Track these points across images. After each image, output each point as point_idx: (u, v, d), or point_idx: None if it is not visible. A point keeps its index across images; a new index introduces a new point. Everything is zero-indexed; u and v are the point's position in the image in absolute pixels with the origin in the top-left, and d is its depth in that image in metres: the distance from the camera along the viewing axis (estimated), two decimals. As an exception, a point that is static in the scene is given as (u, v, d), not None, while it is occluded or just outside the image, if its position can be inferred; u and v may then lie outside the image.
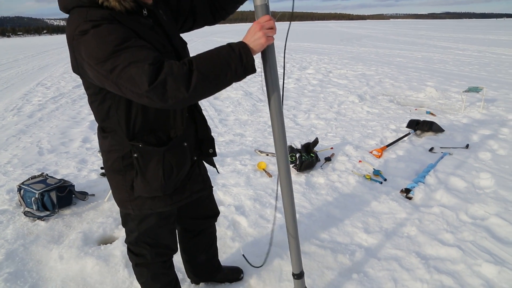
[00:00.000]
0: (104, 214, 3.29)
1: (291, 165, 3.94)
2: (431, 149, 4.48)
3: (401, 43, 21.36)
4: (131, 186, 1.61)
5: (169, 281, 1.99)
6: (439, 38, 23.92)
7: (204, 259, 2.27)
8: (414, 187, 3.49)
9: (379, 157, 4.28)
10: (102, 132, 1.61)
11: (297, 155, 3.89)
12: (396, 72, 10.58)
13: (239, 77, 1.37)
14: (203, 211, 2.08)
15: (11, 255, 2.72)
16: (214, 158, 1.99)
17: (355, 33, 32.89)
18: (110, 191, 3.51)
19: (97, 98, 1.48)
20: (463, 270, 2.43)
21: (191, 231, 2.14)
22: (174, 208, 1.83)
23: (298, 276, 1.96)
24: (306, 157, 3.90)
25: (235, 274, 2.42)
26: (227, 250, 2.72)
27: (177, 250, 1.98)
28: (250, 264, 2.18)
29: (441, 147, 4.55)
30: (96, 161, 4.54)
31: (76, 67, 1.40)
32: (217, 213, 2.17)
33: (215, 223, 2.24)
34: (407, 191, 3.43)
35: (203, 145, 1.82)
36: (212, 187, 2.01)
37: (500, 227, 2.88)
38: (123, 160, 1.57)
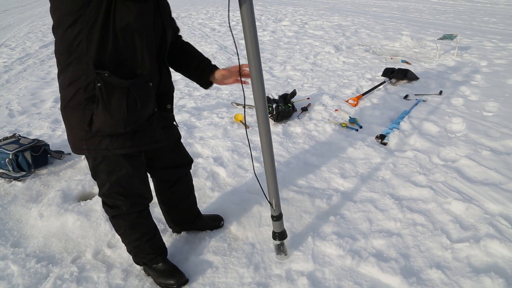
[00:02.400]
0: (82, 171, 3.27)
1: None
2: (405, 97, 4.55)
3: (377, -8, 21.03)
4: (90, 122, 1.55)
5: (148, 230, 2.01)
6: (415, -13, 23.62)
7: (183, 208, 2.30)
8: (389, 133, 3.57)
9: (355, 105, 4.33)
10: (62, 63, 1.52)
11: (274, 106, 3.88)
12: (372, 22, 10.49)
13: None
14: (174, 161, 2.07)
15: (-11, 216, 2.70)
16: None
17: (331, -17, 32.08)
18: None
19: (68, 20, 1.39)
20: (434, 208, 2.56)
21: (167, 181, 2.14)
22: (142, 156, 1.83)
23: (277, 218, 2.03)
24: (283, 107, 3.90)
25: (216, 221, 2.47)
26: (207, 200, 2.77)
27: (151, 199, 1.98)
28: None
29: (415, 94, 4.62)
30: (70, 120, 4.43)
31: None
32: (190, 160, 2.16)
33: (191, 171, 2.25)
34: (382, 137, 3.51)
35: (162, 99, 1.79)
36: (178, 138, 2.01)
37: (469, 167, 3.01)
38: (85, 91, 1.51)
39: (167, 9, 1.71)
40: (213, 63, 1.92)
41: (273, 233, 2.09)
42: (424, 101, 4.39)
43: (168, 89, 1.81)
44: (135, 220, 1.92)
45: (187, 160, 2.15)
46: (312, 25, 10.58)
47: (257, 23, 11.23)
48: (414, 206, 2.59)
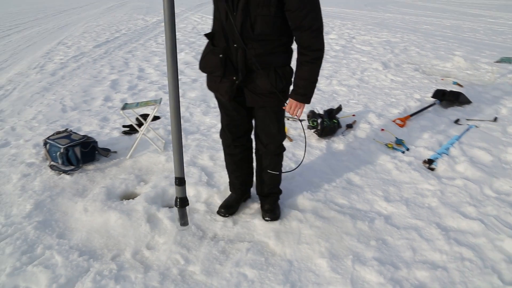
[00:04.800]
0: (126, 171, 3.35)
1: (312, 130, 3.91)
2: (456, 121, 4.36)
3: (429, 9, 20.47)
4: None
5: (248, 171, 2.73)
6: (470, 5, 22.80)
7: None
8: (437, 158, 3.43)
9: (402, 126, 4.20)
10: None
11: (319, 121, 3.84)
12: (423, 40, 10.20)
13: None
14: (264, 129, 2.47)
15: (39, 205, 2.82)
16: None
17: (382, -2, 31.61)
18: (132, 148, 3.58)
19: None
20: (484, 243, 2.42)
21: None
22: (234, 108, 2.40)
23: (179, 182, 2.15)
24: (328, 123, 3.85)
25: None
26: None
27: (249, 144, 2.61)
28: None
29: (467, 119, 4.43)
30: (118, 119, 4.58)
31: None
32: (266, 142, 2.51)
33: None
34: (430, 161, 3.38)
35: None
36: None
37: (525, 202, 2.83)
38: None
39: None
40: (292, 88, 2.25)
41: (175, 199, 2.20)
42: (476, 127, 4.19)
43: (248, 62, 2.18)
44: (240, 161, 2.63)
45: (266, 140, 2.47)
46: (360, 39, 10.43)
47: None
48: (462, 239, 2.46)
